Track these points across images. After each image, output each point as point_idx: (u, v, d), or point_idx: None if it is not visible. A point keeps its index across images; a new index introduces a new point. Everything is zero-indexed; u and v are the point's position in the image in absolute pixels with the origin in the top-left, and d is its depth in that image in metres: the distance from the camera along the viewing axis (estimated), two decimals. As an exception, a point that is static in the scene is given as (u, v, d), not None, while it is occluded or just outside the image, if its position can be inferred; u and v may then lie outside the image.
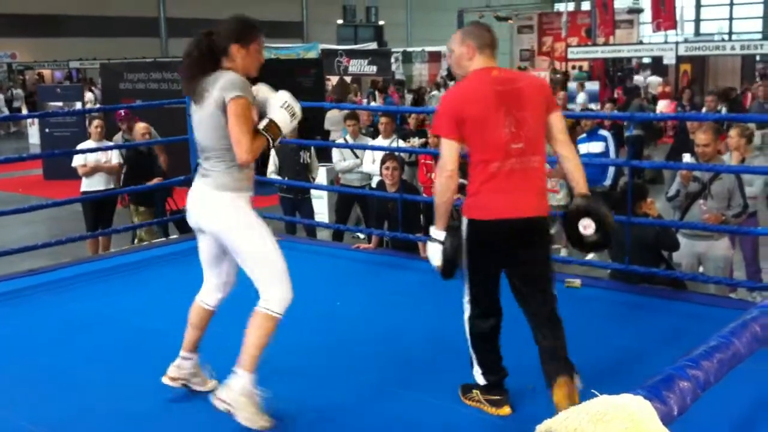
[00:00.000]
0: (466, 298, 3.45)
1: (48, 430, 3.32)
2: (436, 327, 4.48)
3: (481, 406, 3.42)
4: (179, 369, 3.52)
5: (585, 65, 26.36)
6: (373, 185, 8.00)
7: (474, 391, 3.46)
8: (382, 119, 8.45)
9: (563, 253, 8.46)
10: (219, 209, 3.23)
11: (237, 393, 3.14)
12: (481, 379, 3.42)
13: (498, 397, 3.41)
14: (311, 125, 10.82)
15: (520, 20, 38.27)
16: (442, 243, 3.38)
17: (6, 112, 19.71)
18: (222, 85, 3.15)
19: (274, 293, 3.20)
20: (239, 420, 3.13)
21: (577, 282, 5.13)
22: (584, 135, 8.53)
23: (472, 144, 3.23)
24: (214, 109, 3.16)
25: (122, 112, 7.84)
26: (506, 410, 3.39)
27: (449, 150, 3.22)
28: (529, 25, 38.05)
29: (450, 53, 3.47)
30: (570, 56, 23.63)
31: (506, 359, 3.48)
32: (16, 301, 5.16)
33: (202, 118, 3.23)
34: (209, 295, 3.52)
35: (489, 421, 3.35)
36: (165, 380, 3.52)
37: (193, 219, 3.37)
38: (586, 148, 8.27)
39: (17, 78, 29.56)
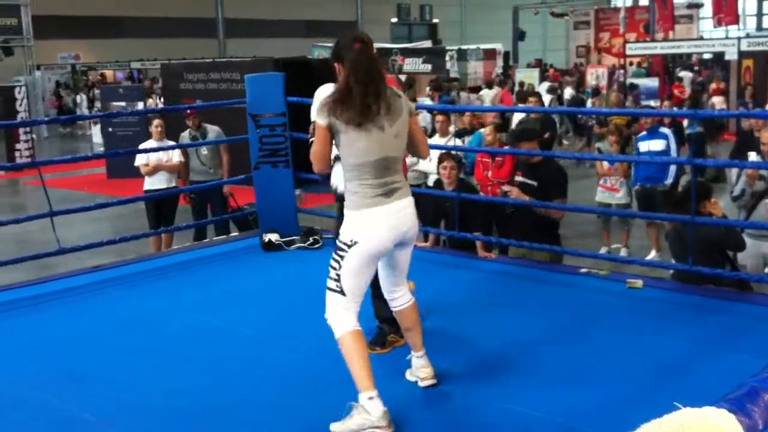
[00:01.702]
0: None
1: (108, 424, 3.40)
2: (495, 327, 4.46)
3: (397, 343, 3.92)
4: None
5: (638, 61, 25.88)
6: (430, 184, 8.00)
7: (388, 337, 3.99)
8: (438, 118, 8.44)
9: (623, 252, 8.35)
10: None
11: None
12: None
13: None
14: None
15: (576, 16, 37.77)
16: None
17: (82, 112, 20.24)
18: (405, 98, 3.38)
19: None
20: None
21: (639, 282, 5.05)
22: (644, 133, 8.39)
23: None
24: (406, 121, 3.35)
25: (189, 110, 8.00)
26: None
27: None
28: (586, 21, 37.50)
29: None
30: (628, 52, 23.16)
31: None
32: (83, 297, 5.30)
33: (398, 133, 3.32)
34: (389, 294, 3.60)
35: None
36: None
37: (400, 236, 3.35)
38: (646, 146, 8.14)
39: (80, 78, 30.29)
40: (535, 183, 5.79)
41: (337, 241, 3.35)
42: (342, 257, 3.27)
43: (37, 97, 24.38)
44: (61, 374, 3.96)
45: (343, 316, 3.30)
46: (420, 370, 3.62)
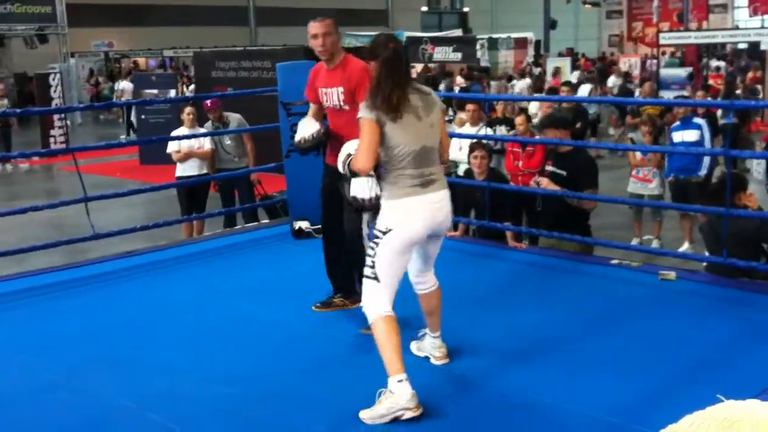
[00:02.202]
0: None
1: (148, 409, 3.44)
2: (525, 317, 4.45)
3: (344, 306, 4.43)
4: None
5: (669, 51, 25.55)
6: (460, 173, 7.98)
7: (336, 300, 4.51)
8: (469, 107, 8.41)
9: (655, 244, 8.27)
10: None
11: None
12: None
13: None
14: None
15: (608, 5, 37.41)
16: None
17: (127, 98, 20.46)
18: (434, 95, 3.56)
19: None
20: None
21: (672, 274, 5.01)
22: (678, 123, 8.29)
23: None
24: (440, 114, 3.55)
25: (208, 102, 8.01)
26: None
27: None
28: (619, 9, 37.12)
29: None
30: (662, 42, 22.86)
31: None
32: (115, 282, 5.37)
33: (433, 123, 3.46)
34: (416, 278, 3.70)
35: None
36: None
37: (435, 227, 3.44)
38: (680, 136, 8.05)
39: (113, 66, 30.58)
40: (564, 173, 5.75)
41: (373, 229, 3.44)
42: (377, 244, 3.36)
43: (71, 84, 24.66)
44: (96, 359, 4.01)
45: (376, 301, 3.36)
46: (435, 350, 3.78)
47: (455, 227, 6.57)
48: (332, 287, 4.62)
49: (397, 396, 3.19)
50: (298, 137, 4.44)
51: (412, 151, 3.36)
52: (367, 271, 3.39)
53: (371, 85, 3.46)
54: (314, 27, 4.28)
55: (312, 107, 4.56)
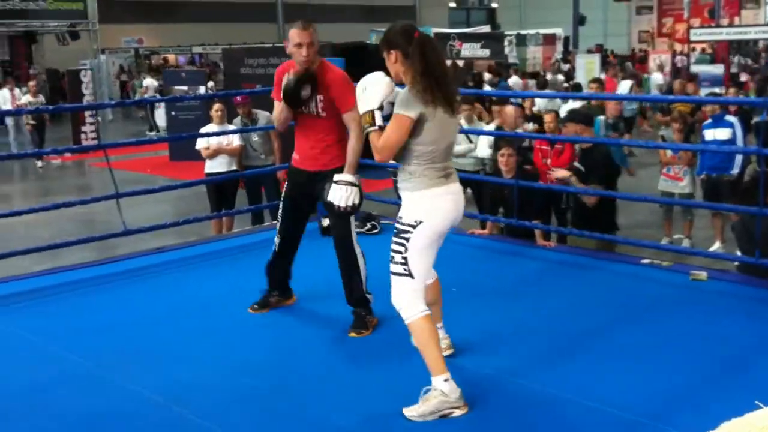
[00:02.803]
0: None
1: (175, 402, 3.47)
2: (554, 316, 4.42)
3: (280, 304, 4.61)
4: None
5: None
6: (489, 171, 7.96)
7: (272, 299, 4.61)
8: (495, 107, 8.38)
9: (686, 243, 8.18)
10: None
11: None
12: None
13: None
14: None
15: (638, 1, 36.98)
16: (357, 185, 4.12)
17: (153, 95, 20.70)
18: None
19: None
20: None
21: (703, 274, 4.95)
22: (709, 121, 8.19)
23: None
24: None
25: (239, 97, 8.05)
26: None
27: None
28: (649, 5, 36.72)
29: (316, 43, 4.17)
30: (693, 38, 22.59)
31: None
32: (144, 277, 5.42)
33: (455, 122, 3.49)
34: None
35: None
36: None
37: (458, 216, 3.45)
38: (711, 134, 7.95)
39: (143, 62, 30.86)
40: (582, 168, 5.78)
41: (397, 225, 3.35)
42: (407, 239, 3.28)
43: (102, 81, 24.94)
44: (125, 352, 4.05)
45: (413, 299, 3.31)
46: (440, 341, 3.66)
47: (483, 225, 6.55)
48: (267, 285, 4.64)
49: (447, 395, 3.19)
50: (342, 203, 4.12)
51: (443, 147, 3.34)
52: (398, 268, 3.30)
53: (415, 79, 3.26)
54: (301, 35, 4.12)
55: (278, 105, 4.39)
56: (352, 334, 4.20)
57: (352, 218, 4.30)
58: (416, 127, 3.26)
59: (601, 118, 8.19)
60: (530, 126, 9.06)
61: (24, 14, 24.50)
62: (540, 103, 12.12)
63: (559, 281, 5.11)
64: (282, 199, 4.56)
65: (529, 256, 5.65)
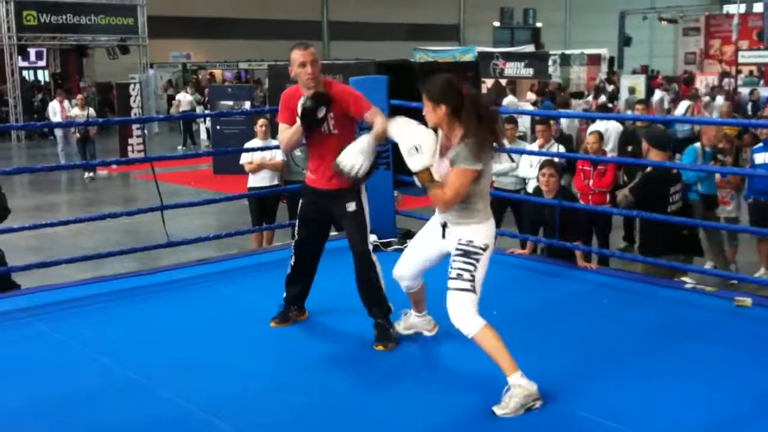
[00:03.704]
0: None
1: (217, 416, 3.49)
2: (594, 340, 4.37)
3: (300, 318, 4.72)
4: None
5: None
6: (529, 190, 7.91)
7: (291, 313, 4.68)
8: (538, 126, 8.34)
9: (731, 269, 8.02)
10: None
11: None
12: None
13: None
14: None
15: (686, 22, 36.61)
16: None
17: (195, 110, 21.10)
18: None
19: None
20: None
21: (748, 301, 4.85)
22: (761, 144, 8.05)
23: None
24: None
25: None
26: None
27: None
28: (696, 27, 36.30)
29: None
30: (741, 60, 22.32)
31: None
32: (185, 289, 5.47)
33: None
34: (417, 280, 4.19)
35: None
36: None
37: None
38: (762, 158, 7.80)
39: (190, 77, 31.36)
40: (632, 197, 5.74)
41: (466, 248, 3.63)
42: (478, 260, 3.63)
43: (150, 94, 25.41)
44: (166, 364, 4.09)
45: (475, 312, 3.59)
46: (427, 323, 4.36)
47: (523, 245, 6.51)
48: (287, 299, 4.66)
49: (528, 389, 3.46)
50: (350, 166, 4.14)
51: (489, 184, 3.76)
52: (465, 285, 3.59)
53: (467, 135, 3.53)
54: (303, 55, 4.22)
55: (284, 128, 4.48)
56: (380, 347, 4.25)
57: (369, 229, 4.43)
58: (479, 176, 3.59)
59: (697, 145, 8.02)
60: (560, 147, 8.96)
61: (76, 28, 25.10)
62: (564, 123, 12.05)
63: (601, 305, 5.04)
64: (298, 216, 4.61)
65: (570, 277, 5.59)
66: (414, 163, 3.57)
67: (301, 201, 4.60)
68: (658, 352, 4.16)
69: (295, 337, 4.47)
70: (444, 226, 3.74)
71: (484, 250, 3.64)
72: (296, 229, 4.62)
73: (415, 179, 3.65)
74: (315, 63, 4.24)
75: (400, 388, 3.78)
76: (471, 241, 3.62)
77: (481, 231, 3.65)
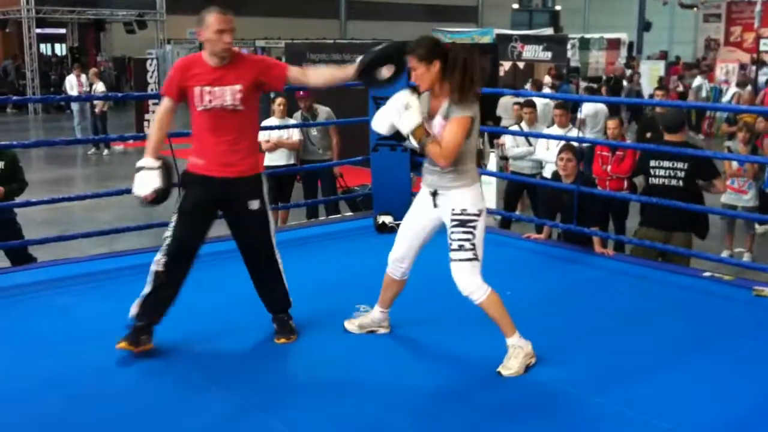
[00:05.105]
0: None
1: (220, 387, 3.49)
2: (611, 329, 4.35)
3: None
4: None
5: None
6: (546, 174, 7.87)
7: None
8: (556, 110, 8.27)
9: (747, 257, 7.97)
10: None
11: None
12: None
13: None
14: (485, 111, 10.73)
15: (706, 8, 36.15)
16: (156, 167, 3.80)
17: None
18: None
19: None
20: None
21: (767, 290, 4.81)
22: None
23: None
24: None
25: (301, 92, 8.11)
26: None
27: None
28: (717, 13, 35.86)
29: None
30: (762, 48, 22.01)
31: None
32: (201, 267, 5.44)
33: None
34: (407, 263, 4.07)
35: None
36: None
37: None
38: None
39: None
40: None
41: (460, 217, 3.64)
42: (474, 227, 3.66)
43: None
44: (184, 340, 4.07)
45: (480, 279, 3.68)
46: (384, 321, 4.16)
47: (539, 230, 6.48)
48: (144, 315, 3.91)
49: (525, 348, 3.68)
50: (142, 191, 3.80)
51: (476, 144, 3.75)
52: (467, 254, 3.63)
53: (460, 83, 3.54)
54: (224, 21, 3.80)
55: (168, 105, 4.02)
56: (283, 340, 4.05)
57: (271, 219, 4.04)
58: (471, 126, 3.62)
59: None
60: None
61: (94, 2, 25.11)
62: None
63: (618, 292, 5.02)
64: (177, 212, 3.94)
65: (587, 263, 5.56)
66: (408, 121, 3.58)
67: (183, 193, 3.97)
68: (675, 344, 4.12)
69: (302, 321, 4.45)
70: (434, 194, 3.74)
71: (479, 215, 3.67)
72: (173, 227, 3.91)
73: (411, 140, 3.63)
74: (233, 31, 3.83)
75: (423, 374, 3.77)
76: (464, 209, 3.65)
77: (471, 196, 3.68)
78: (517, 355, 3.65)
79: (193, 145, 3.99)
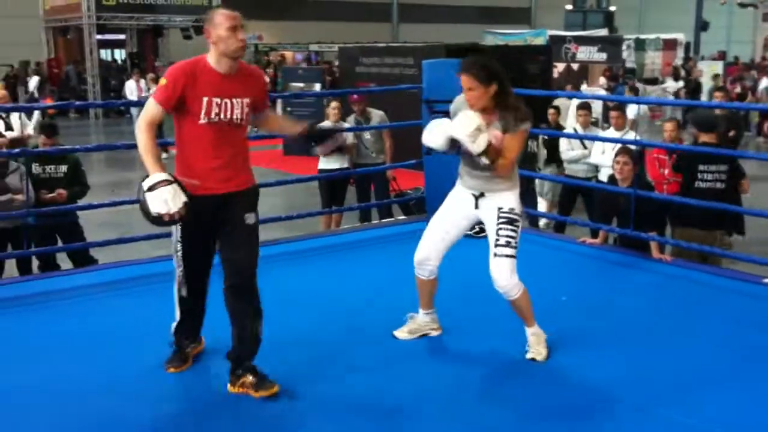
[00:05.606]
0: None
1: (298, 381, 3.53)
2: (668, 334, 4.28)
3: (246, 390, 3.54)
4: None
5: None
6: (602, 178, 7.77)
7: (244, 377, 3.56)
8: (612, 113, 8.16)
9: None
10: None
11: None
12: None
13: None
14: (538, 114, 10.64)
15: (765, 7, 35.27)
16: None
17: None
18: None
19: None
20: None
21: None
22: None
23: None
24: None
25: (355, 96, 8.16)
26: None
27: None
28: (776, 12, 34.95)
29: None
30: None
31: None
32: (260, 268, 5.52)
33: None
34: (437, 261, 4.17)
35: None
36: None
37: None
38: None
39: (261, 58, 31.73)
40: None
41: (509, 215, 3.84)
42: (518, 226, 3.89)
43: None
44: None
45: (517, 277, 3.84)
46: (434, 323, 4.23)
47: (595, 234, 6.40)
48: (182, 332, 3.85)
49: (543, 334, 3.93)
50: (165, 208, 3.30)
51: None
52: (512, 251, 3.81)
53: (511, 101, 3.80)
54: (234, 18, 3.46)
55: (158, 115, 3.49)
56: (264, 393, 3.52)
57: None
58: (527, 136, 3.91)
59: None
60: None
61: (152, 9, 25.63)
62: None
63: (676, 298, 4.93)
64: (180, 239, 3.66)
65: (645, 268, 5.48)
66: (481, 142, 3.68)
67: (181, 225, 3.57)
68: (732, 353, 4.04)
69: (349, 325, 4.46)
70: (479, 196, 3.91)
71: (521, 216, 3.92)
72: (181, 257, 3.69)
73: (483, 158, 3.73)
74: (243, 30, 3.49)
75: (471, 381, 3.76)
76: (512, 209, 3.86)
77: (515, 198, 3.90)
78: (540, 342, 3.90)
79: (183, 161, 3.57)
